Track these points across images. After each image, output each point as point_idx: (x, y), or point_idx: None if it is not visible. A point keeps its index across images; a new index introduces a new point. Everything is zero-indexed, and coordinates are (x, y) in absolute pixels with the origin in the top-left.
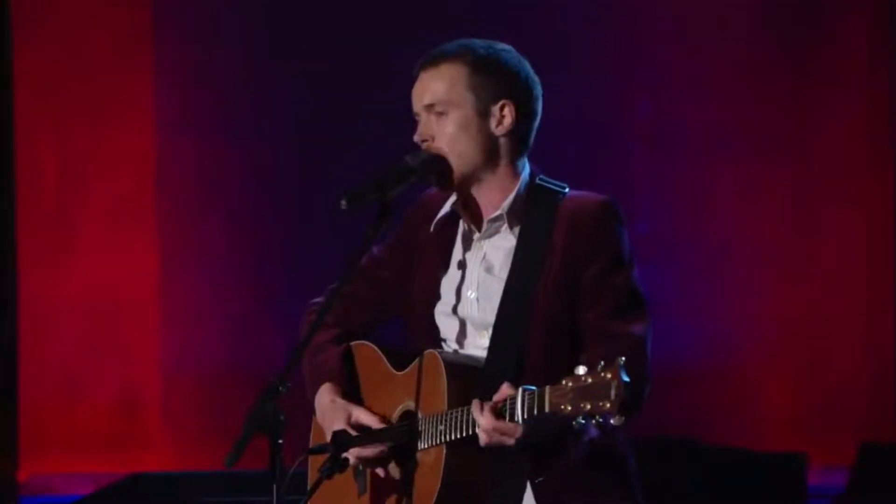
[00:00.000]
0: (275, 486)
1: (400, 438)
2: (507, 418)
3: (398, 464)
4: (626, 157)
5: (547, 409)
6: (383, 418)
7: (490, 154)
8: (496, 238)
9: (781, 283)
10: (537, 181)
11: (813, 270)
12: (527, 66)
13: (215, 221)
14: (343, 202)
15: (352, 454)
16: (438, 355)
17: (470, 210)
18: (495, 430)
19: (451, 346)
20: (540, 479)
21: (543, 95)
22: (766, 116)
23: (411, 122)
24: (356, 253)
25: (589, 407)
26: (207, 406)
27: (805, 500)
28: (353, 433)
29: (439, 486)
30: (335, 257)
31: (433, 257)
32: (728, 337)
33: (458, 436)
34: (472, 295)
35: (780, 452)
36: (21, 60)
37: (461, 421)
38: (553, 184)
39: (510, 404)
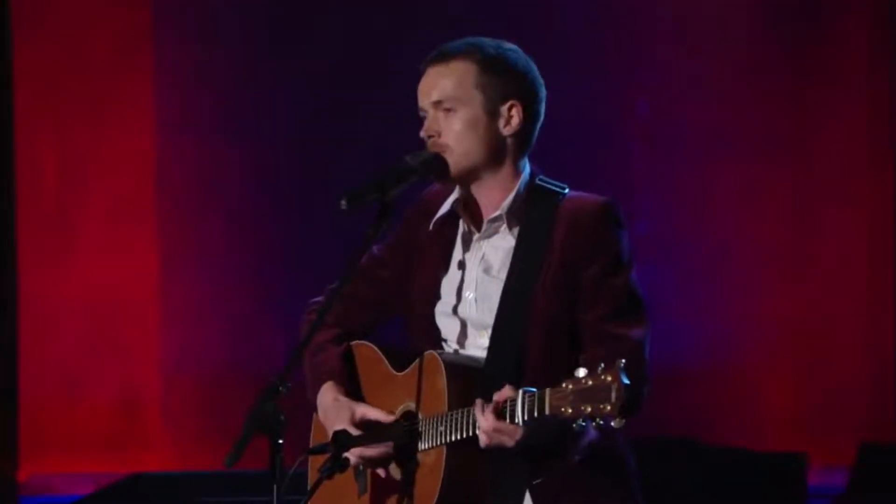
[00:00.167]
0: (275, 486)
1: (400, 439)
2: (508, 420)
3: (399, 464)
4: (626, 157)
5: (547, 412)
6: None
7: (495, 154)
8: (495, 238)
9: (781, 283)
10: (537, 181)
11: (813, 270)
12: (534, 68)
13: (215, 221)
14: (343, 202)
15: (353, 454)
16: (438, 356)
17: (470, 210)
18: (496, 431)
19: (451, 346)
20: (539, 480)
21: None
22: (766, 116)
23: (412, 122)
24: (356, 253)
25: (589, 409)
26: (207, 406)
27: (805, 500)
28: (355, 432)
29: (440, 486)
30: (335, 257)
31: (433, 257)
32: (728, 337)
33: (459, 437)
34: (471, 296)
35: (780, 452)
36: (21, 60)
37: (462, 422)
38: (553, 184)
39: (510, 406)
